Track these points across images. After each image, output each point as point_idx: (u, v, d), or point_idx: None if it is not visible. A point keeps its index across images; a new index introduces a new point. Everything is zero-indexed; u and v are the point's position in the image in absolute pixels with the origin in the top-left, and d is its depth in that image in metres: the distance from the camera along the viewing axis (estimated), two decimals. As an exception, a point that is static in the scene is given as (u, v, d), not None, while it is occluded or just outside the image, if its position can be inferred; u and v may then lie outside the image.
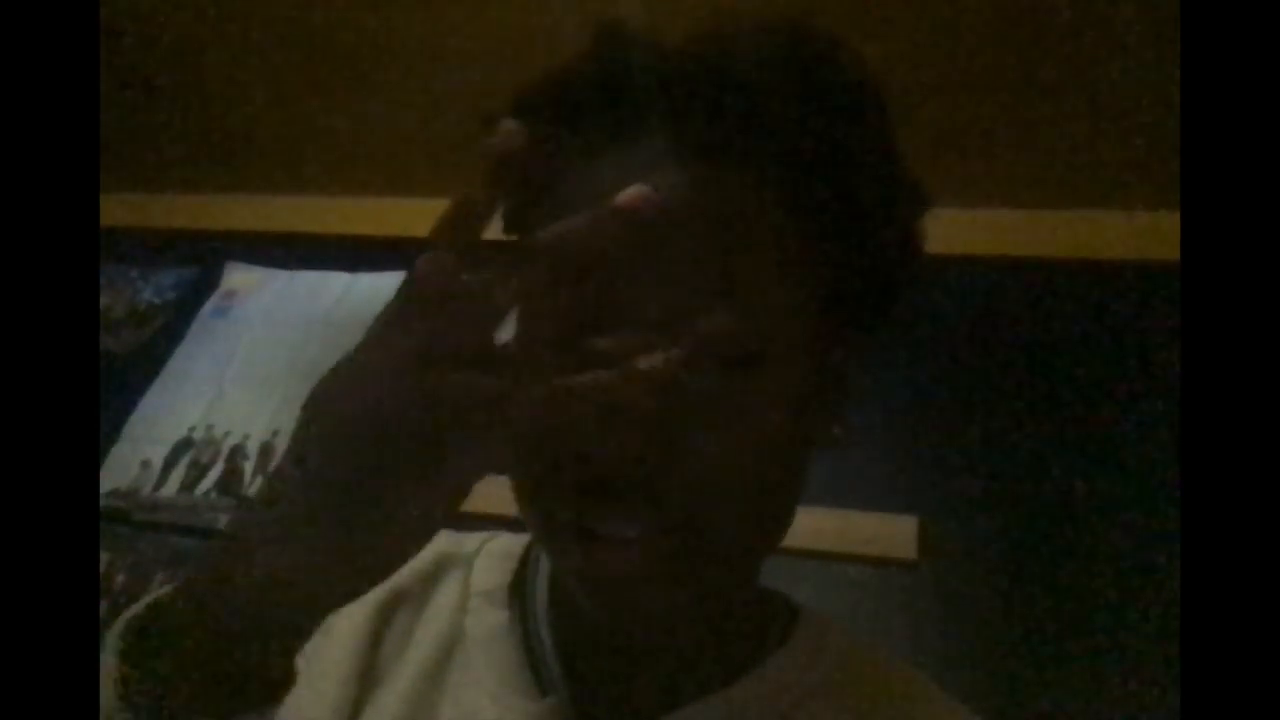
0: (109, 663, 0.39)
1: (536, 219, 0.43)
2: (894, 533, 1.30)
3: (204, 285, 1.89)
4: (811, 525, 1.32)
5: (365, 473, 0.33)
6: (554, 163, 0.45)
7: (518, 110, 0.44)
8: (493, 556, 0.60)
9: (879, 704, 0.53)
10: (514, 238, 0.46)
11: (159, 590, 0.43)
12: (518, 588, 0.57)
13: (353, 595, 0.38)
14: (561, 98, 0.45)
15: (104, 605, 1.46)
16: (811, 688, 0.52)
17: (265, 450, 1.62)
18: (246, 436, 1.65)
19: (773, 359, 0.43)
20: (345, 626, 0.55)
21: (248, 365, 1.75)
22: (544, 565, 0.58)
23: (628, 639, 0.50)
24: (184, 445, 1.66)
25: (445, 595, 0.58)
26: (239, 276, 1.89)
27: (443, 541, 0.61)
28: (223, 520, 1.54)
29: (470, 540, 0.61)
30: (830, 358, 0.49)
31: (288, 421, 1.64)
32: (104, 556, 1.52)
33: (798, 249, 0.44)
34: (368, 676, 0.54)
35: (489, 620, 0.55)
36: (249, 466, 1.61)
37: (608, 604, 0.45)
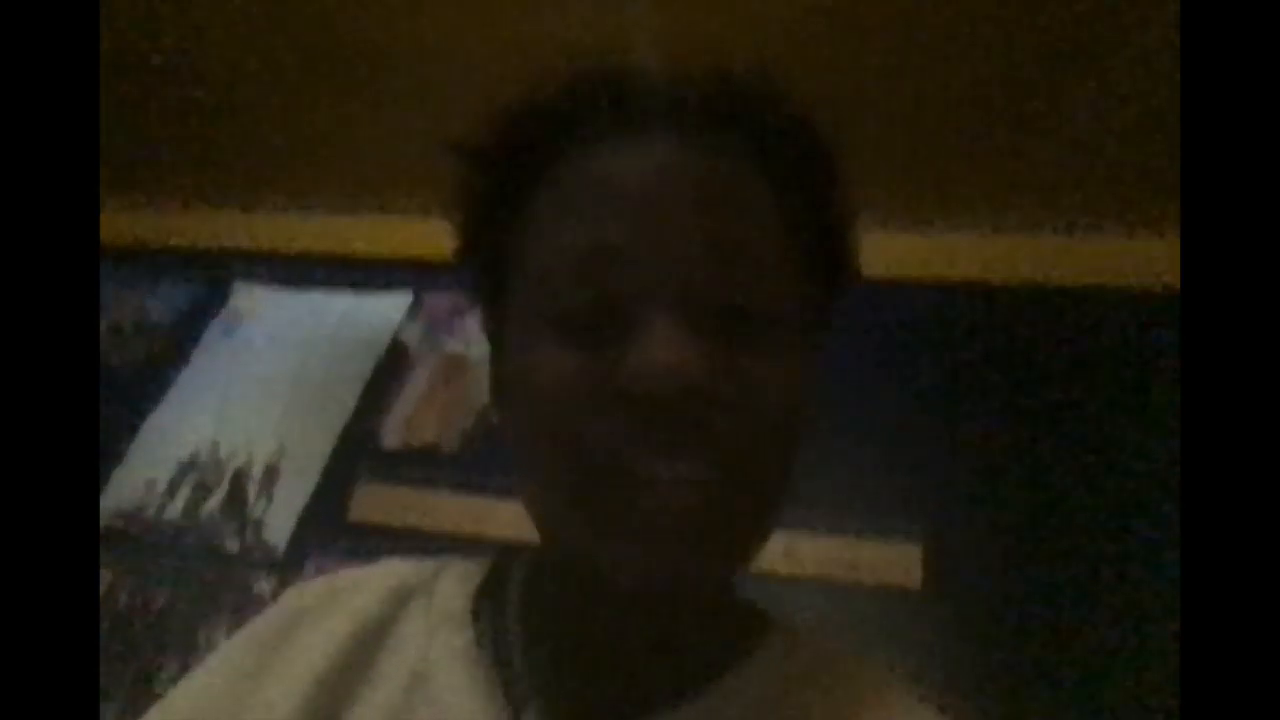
0: None
1: (522, 208, 0.52)
2: (898, 560, 1.29)
3: (211, 304, 1.90)
4: (816, 552, 1.32)
5: None
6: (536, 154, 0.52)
7: (526, 109, 0.53)
8: (454, 579, 0.59)
9: (845, 711, 0.53)
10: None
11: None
12: (483, 606, 0.57)
13: None
14: (575, 98, 0.53)
15: (106, 625, 1.46)
16: (778, 696, 0.52)
17: (269, 472, 1.62)
18: (250, 458, 1.65)
19: (778, 315, 0.49)
20: (295, 680, 0.54)
21: (253, 385, 1.76)
22: (517, 577, 0.58)
23: (634, 618, 0.50)
24: (189, 466, 1.66)
25: (409, 625, 0.57)
26: (246, 296, 1.91)
27: (398, 572, 0.60)
28: (228, 543, 1.54)
29: (425, 567, 0.61)
30: (810, 318, 0.53)
31: (292, 441, 1.65)
32: (108, 576, 1.52)
33: (778, 218, 0.51)
34: None
35: (455, 642, 0.55)
36: (253, 489, 1.61)
37: (653, 553, 0.44)
